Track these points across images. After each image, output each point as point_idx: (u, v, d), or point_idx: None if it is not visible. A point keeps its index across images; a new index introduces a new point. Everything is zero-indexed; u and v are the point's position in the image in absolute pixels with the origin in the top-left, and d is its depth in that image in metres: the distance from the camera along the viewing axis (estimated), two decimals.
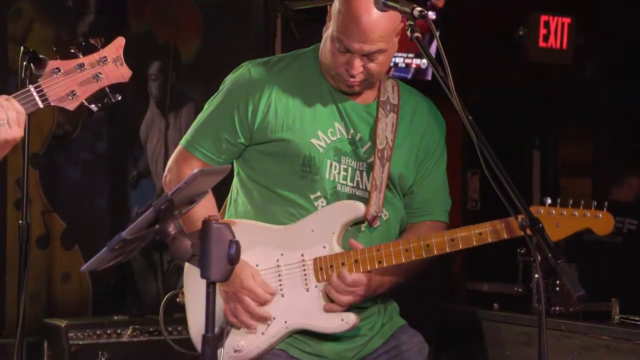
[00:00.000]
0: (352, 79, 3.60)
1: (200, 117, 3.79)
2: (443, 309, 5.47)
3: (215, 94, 3.80)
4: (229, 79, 3.79)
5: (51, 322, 5.52)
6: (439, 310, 5.44)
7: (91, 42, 3.19)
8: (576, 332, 4.79)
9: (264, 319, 3.63)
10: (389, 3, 3.40)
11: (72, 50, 3.17)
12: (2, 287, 6.84)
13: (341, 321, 3.61)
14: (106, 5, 7.06)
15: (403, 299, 3.92)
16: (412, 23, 3.36)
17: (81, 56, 3.17)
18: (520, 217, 3.25)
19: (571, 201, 3.50)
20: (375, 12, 3.50)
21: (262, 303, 3.62)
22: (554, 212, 3.51)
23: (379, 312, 3.78)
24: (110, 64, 3.20)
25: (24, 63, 4.67)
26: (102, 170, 7.06)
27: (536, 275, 3.13)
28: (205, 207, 3.54)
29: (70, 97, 3.16)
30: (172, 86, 6.72)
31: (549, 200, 3.51)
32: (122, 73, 3.22)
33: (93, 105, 3.21)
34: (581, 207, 3.50)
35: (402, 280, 3.74)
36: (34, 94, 3.13)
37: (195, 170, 3.00)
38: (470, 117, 3.24)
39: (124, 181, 7.01)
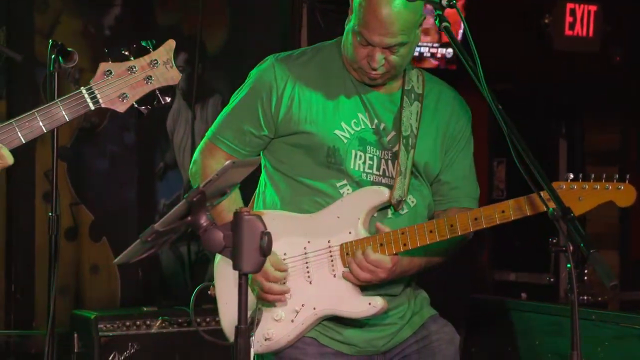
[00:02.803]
0: (373, 72, 3.62)
1: (226, 109, 3.83)
2: (471, 299, 5.46)
3: (241, 87, 3.82)
4: (254, 72, 3.82)
5: (81, 314, 5.54)
6: (467, 300, 5.43)
7: (142, 44, 3.19)
8: (607, 322, 4.78)
9: (281, 293, 3.65)
10: None
11: (124, 52, 3.17)
12: (31, 280, 6.88)
13: (369, 305, 3.63)
14: None
15: (432, 289, 3.92)
16: (440, 12, 3.35)
17: (132, 58, 3.17)
18: (546, 198, 3.25)
19: (593, 175, 3.49)
20: (396, 5, 3.52)
21: (274, 280, 3.64)
22: (575, 186, 3.51)
23: (409, 302, 3.79)
24: (160, 66, 3.20)
25: (52, 56, 4.68)
26: (129, 162, 7.07)
27: (568, 265, 3.10)
28: (229, 198, 3.56)
29: (120, 100, 3.17)
30: (198, 78, 6.73)
31: (572, 176, 3.50)
32: (172, 76, 3.22)
33: (143, 107, 3.21)
34: (603, 181, 3.50)
35: (430, 262, 3.77)
36: (86, 95, 3.14)
37: (227, 163, 3.01)
38: (500, 107, 3.23)
39: (151, 173, 7.02)
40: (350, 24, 3.62)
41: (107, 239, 7.00)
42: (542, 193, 3.27)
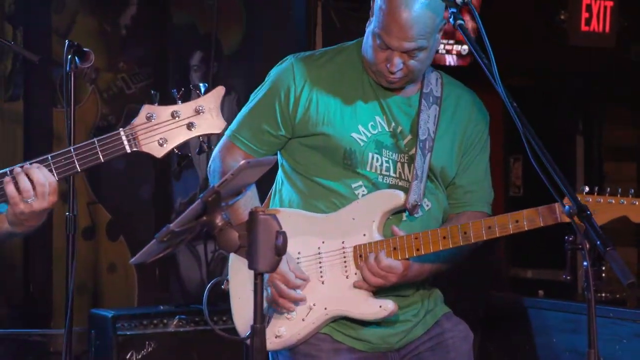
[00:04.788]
0: (392, 76, 3.62)
1: (245, 108, 3.83)
2: (487, 296, 5.46)
3: (259, 86, 3.83)
4: (273, 72, 3.82)
5: (98, 313, 5.56)
6: (483, 298, 5.43)
7: (191, 88, 3.14)
8: (625, 319, 4.77)
9: (298, 302, 3.66)
10: None
11: (176, 93, 3.12)
12: (49, 279, 6.90)
13: (379, 308, 3.64)
14: None
15: (447, 286, 3.92)
16: (454, 10, 3.35)
17: (179, 102, 3.12)
18: (566, 203, 3.23)
19: (609, 189, 3.48)
20: (415, 10, 3.52)
21: (294, 287, 3.65)
22: (590, 199, 3.49)
23: (422, 300, 3.79)
24: (206, 113, 3.13)
25: (69, 56, 4.68)
26: (145, 161, 7.08)
27: (584, 263, 3.12)
28: (246, 196, 3.58)
29: (159, 145, 3.11)
30: (214, 77, 6.73)
31: (587, 189, 3.49)
32: (217, 124, 3.15)
33: (180, 153, 3.16)
34: (618, 195, 3.48)
35: (441, 268, 3.76)
36: (124, 138, 3.10)
37: (242, 162, 3.01)
38: (515, 104, 3.23)
39: (166, 172, 7.04)
40: (371, 26, 3.62)
41: (125, 238, 7.02)
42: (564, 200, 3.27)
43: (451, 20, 3.36)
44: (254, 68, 6.29)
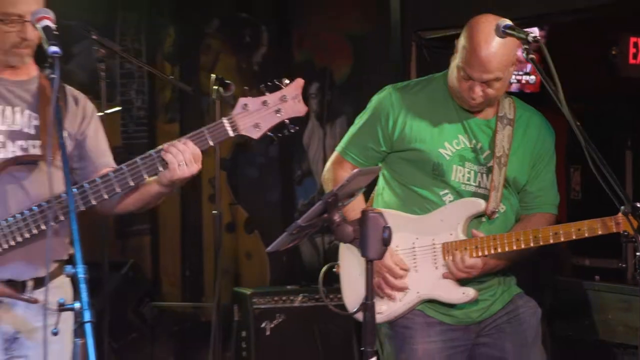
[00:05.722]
0: (473, 101, 3.59)
1: (352, 129, 3.83)
2: (553, 280, 5.38)
3: (363, 111, 3.82)
4: (374, 99, 3.81)
5: (239, 291, 5.60)
6: (549, 281, 5.35)
7: (276, 82, 3.15)
8: None
9: (400, 289, 3.66)
10: (508, 31, 3.34)
11: (261, 88, 3.14)
12: (201, 264, 6.98)
13: (462, 294, 3.63)
14: (275, 39, 7.11)
15: (520, 272, 3.87)
16: (527, 47, 3.30)
17: (267, 94, 3.12)
18: (622, 207, 3.20)
19: None
20: (493, 47, 3.48)
21: (398, 277, 3.65)
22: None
23: (499, 282, 3.75)
24: (289, 101, 3.13)
25: (214, 87, 4.73)
26: (274, 170, 7.12)
27: (637, 253, 3.10)
28: (356, 199, 3.57)
29: (255, 128, 3.12)
30: (328, 103, 6.73)
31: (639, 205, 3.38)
32: (299, 109, 3.15)
33: (273, 135, 3.15)
34: None
35: (512, 263, 3.72)
36: (226, 124, 3.11)
37: (355, 171, 3.03)
38: (579, 124, 3.18)
39: (291, 179, 7.04)
40: (456, 60, 3.59)
41: (258, 232, 7.05)
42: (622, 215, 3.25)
43: (524, 54, 3.32)
44: (360, 95, 6.27)
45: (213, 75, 4.76)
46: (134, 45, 6.96)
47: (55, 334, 2.62)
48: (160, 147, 3.12)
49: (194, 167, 3.11)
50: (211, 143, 3.12)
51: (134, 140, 6.92)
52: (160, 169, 3.11)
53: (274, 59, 7.09)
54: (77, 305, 2.46)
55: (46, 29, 2.86)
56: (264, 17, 7.13)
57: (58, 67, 2.75)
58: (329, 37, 6.74)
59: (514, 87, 6.55)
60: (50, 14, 2.92)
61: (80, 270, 2.48)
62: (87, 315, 2.44)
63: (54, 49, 2.77)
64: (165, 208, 6.99)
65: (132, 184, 3.11)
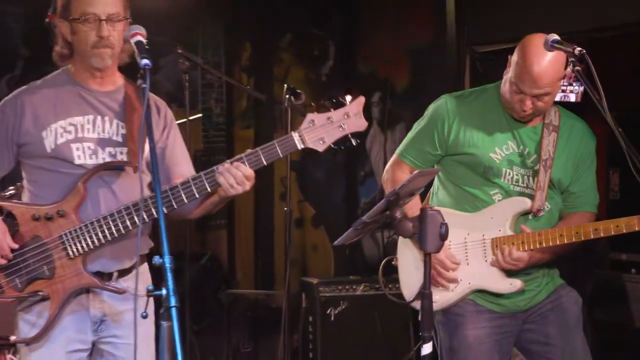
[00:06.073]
0: (524, 113, 3.58)
1: (410, 134, 3.82)
2: (593, 273, 5.32)
3: (421, 118, 3.82)
4: (431, 107, 3.80)
5: (307, 280, 5.60)
6: (590, 274, 5.30)
7: (340, 99, 3.14)
8: None
9: (450, 281, 3.65)
10: (556, 45, 3.32)
11: (326, 104, 3.14)
12: (272, 256, 6.99)
13: (510, 285, 3.62)
14: (340, 53, 7.11)
15: (564, 265, 3.85)
16: (573, 59, 3.28)
17: (332, 110, 3.12)
18: None
19: None
20: (544, 65, 3.45)
21: (448, 270, 3.64)
22: None
23: (543, 274, 3.73)
24: (352, 117, 3.12)
25: (287, 96, 4.75)
26: (339, 171, 7.11)
27: None
28: (415, 198, 3.60)
29: (320, 142, 3.12)
30: (388, 111, 6.71)
31: None
32: (360, 124, 3.14)
33: (336, 148, 3.16)
34: None
35: (556, 256, 3.69)
36: (295, 138, 3.12)
37: (415, 172, 3.04)
38: (621, 130, 3.17)
39: (354, 180, 7.04)
40: (509, 75, 3.58)
41: (324, 227, 7.05)
42: None
43: (570, 68, 3.30)
44: (417, 104, 6.23)
45: (285, 85, 4.77)
46: (214, 58, 7.01)
47: (144, 317, 2.67)
48: (214, 167, 3.14)
49: (246, 186, 3.12)
50: (265, 163, 3.12)
51: (213, 144, 6.96)
52: (209, 189, 3.14)
53: (339, 71, 7.09)
54: (164, 291, 2.49)
55: (138, 44, 2.89)
56: (331, 33, 7.13)
57: (148, 77, 2.78)
58: (389, 51, 6.72)
59: (559, 97, 6.48)
60: (142, 30, 2.95)
61: (167, 261, 2.51)
62: (173, 301, 2.47)
63: (145, 61, 2.80)
64: (240, 205, 7.04)
65: (197, 195, 3.15)
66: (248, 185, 3.12)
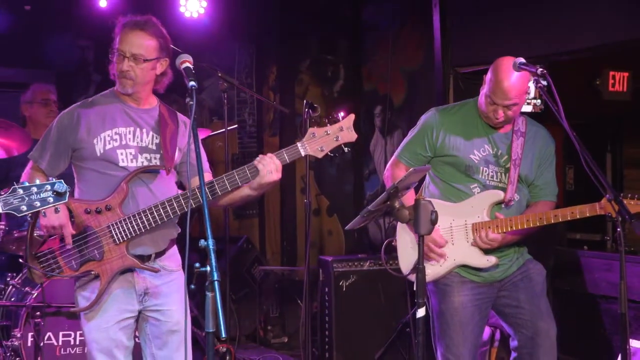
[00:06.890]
0: (497, 120, 3.58)
1: (405, 140, 3.81)
2: (554, 250, 5.30)
3: (414, 127, 3.81)
4: (422, 118, 3.79)
5: (323, 259, 5.59)
6: (551, 251, 5.27)
7: (335, 116, 3.16)
8: (637, 263, 4.59)
9: (440, 256, 3.63)
10: (522, 66, 3.34)
11: (324, 120, 3.15)
12: (295, 239, 7.01)
13: (487, 261, 3.61)
14: (349, 75, 7.09)
15: (530, 243, 3.83)
16: (536, 77, 3.27)
17: (329, 125, 3.14)
18: (606, 195, 3.17)
19: (629, 195, 3.32)
20: (512, 80, 3.44)
21: (439, 247, 3.62)
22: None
23: (514, 251, 3.73)
24: (345, 130, 3.15)
25: (305, 109, 4.74)
26: (349, 169, 7.10)
27: (618, 229, 3.08)
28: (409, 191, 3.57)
29: (319, 150, 3.13)
30: (388, 120, 6.71)
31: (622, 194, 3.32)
32: (351, 136, 3.16)
33: (332, 155, 3.17)
34: (636, 197, 3.31)
35: (524, 237, 3.69)
36: (300, 147, 3.13)
37: (411, 169, 3.02)
38: (575, 133, 3.15)
39: (361, 176, 7.03)
40: (484, 90, 3.58)
41: (337, 216, 7.04)
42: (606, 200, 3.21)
43: (534, 84, 3.29)
44: (412, 114, 6.24)
45: (304, 101, 4.77)
46: (247, 79, 7.02)
47: (192, 289, 2.67)
48: (250, 163, 3.14)
49: (278, 175, 3.12)
50: (287, 160, 3.13)
51: (247, 149, 6.98)
52: (250, 178, 3.13)
53: (348, 89, 7.08)
54: (208, 268, 2.48)
55: (186, 69, 2.90)
56: (341, 58, 7.13)
57: (194, 96, 2.79)
58: (388, 72, 6.72)
59: (525, 108, 6.44)
60: (189, 58, 2.95)
61: (210, 243, 2.50)
62: (215, 275, 2.47)
63: (192, 83, 2.81)
64: (269, 199, 7.05)
65: (229, 188, 3.14)
66: (278, 176, 3.12)
